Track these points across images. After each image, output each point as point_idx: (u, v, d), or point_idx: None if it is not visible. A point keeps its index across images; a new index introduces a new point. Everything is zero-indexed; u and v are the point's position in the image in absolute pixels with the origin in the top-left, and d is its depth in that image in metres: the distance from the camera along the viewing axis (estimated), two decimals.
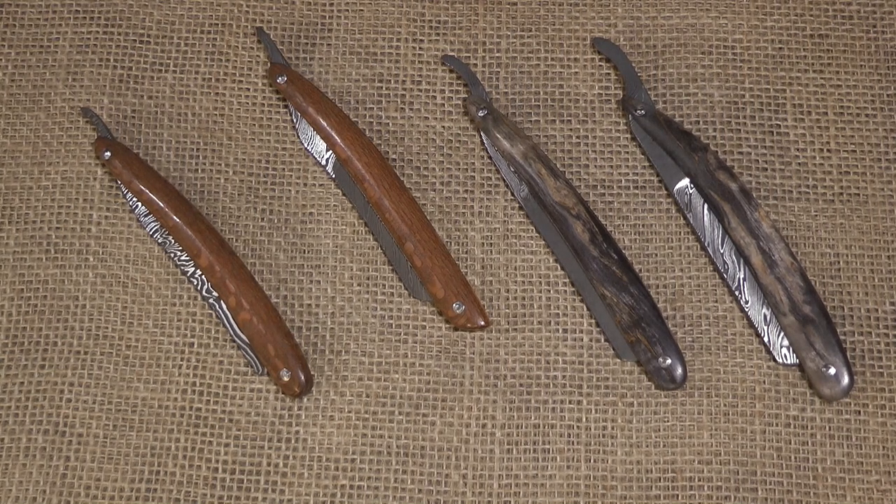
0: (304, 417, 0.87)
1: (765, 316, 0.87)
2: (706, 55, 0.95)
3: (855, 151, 0.93)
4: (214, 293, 0.88)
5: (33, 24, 0.97)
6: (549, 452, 0.86)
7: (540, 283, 0.90)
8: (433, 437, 0.87)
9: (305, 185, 0.93)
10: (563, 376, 0.88)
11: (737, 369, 0.87)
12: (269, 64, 0.95)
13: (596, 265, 0.87)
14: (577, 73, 0.95)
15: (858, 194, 0.92)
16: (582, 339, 0.89)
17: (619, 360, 0.88)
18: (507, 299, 0.90)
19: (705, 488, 0.85)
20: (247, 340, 0.87)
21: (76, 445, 0.87)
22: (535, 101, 0.94)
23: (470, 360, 0.88)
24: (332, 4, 0.98)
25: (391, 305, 0.90)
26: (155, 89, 0.95)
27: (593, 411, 0.87)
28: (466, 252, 0.91)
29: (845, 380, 0.85)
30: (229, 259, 0.88)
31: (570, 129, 0.94)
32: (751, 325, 0.88)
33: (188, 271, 0.89)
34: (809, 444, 0.86)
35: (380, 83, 0.95)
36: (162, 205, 0.89)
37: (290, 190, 0.93)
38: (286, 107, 0.95)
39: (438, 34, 0.97)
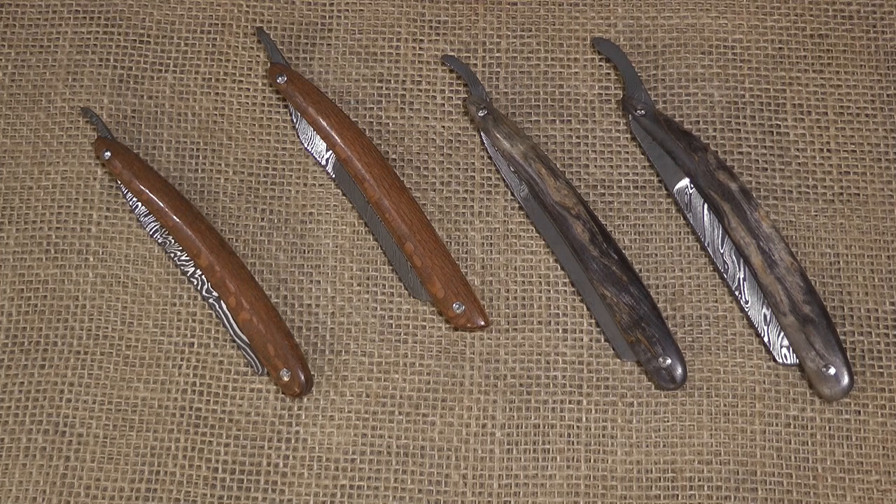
0: (304, 417, 0.87)
1: (765, 316, 0.87)
2: (706, 55, 0.95)
3: (855, 151, 0.93)
4: (214, 293, 0.88)
5: (33, 24, 0.97)
6: (549, 452, 0.86)
7: (540, 283, 0.90)
8: (433, 437, 0.87)
9: (305, 185, 0.93)
10: (563, 376, 0.88)
11: (737, 369, 0.87)
12: (269, 64, 0.95)
13: (596, 265, 0.87)
14: (577, 73, 0.95)
15: (858, 194, 0.92)
16: (582, 339, 0.89)
17: (619, 360, 0.88)
18: (507, 299, 0.90)
19: (705, 488, 0.85)
20: (247, 340, 0.87)
21: (76, 445, 0.87)
22: (535, 101, 0.94)
23: (470, 360, 0.88)
24: (332, 4, 0.98)
25: (391, 305, 0.90)
26: (155, 89, 0.95)
27: (593, 411, 0.87)
28: (466, 252, 0.91)
29: (845, 380, 0.85)
30: (229, 259, 0.88)
31: (570, 129, 0.94)
32: (751, 325, 0.88)
33: (188, 271, 0.89)
34: (809, 444, 0.86)
35: (380, 83, 0.95)
36: (162, 205, 0.89)
37: (290, 190, 0.93)
38: (286, 107, 0.95)
39: (438, 34, 0.97)
